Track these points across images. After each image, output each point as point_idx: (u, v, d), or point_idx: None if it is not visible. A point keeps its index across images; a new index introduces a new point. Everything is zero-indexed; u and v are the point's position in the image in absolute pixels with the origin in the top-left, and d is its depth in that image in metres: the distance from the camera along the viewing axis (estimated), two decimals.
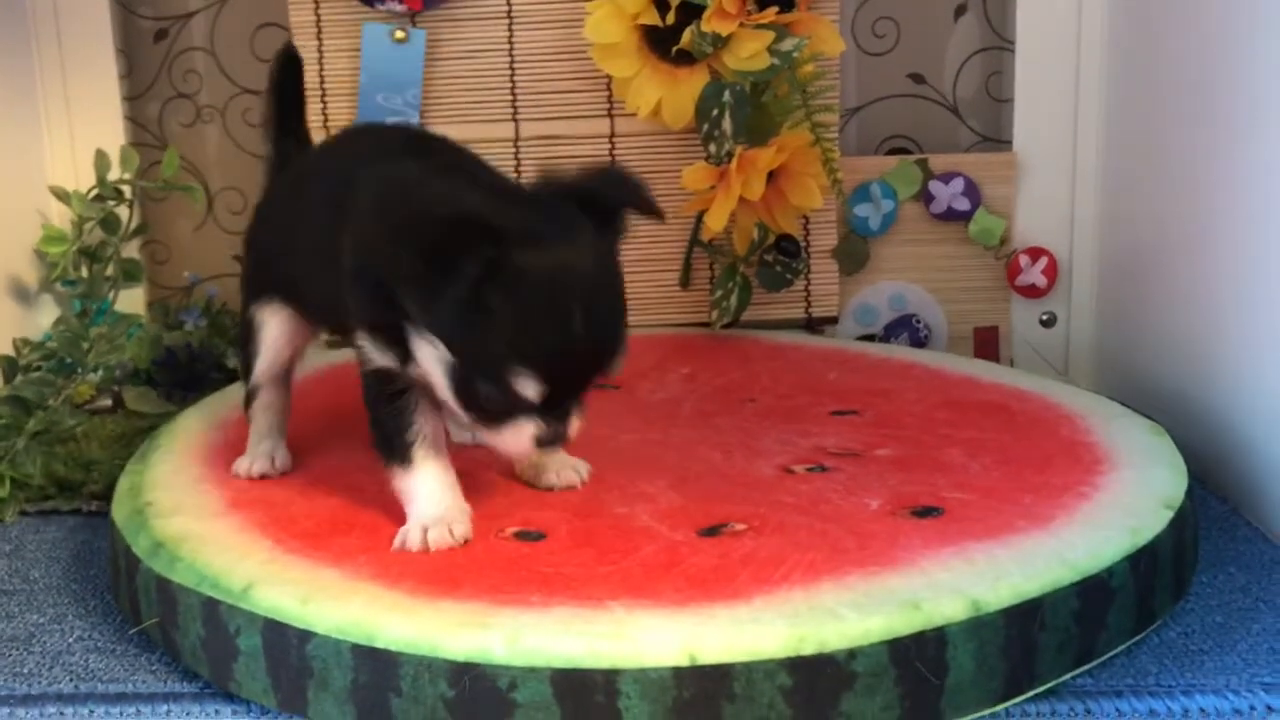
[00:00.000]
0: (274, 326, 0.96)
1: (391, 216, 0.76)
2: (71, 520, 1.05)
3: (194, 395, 1.24)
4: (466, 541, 0.81)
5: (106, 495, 0.95)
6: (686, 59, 1.27)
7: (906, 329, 1.38)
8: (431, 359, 0.78)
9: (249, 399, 0.98)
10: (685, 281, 1.38)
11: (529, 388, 0.75)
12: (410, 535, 0.81)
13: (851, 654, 0.67)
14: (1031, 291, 1.37)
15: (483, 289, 0.73)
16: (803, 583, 0.73)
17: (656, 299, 1.38)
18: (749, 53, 1.24)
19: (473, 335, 0.75)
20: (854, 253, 1.38)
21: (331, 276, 0.84)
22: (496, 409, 0.77)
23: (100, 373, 1.27)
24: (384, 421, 0.84)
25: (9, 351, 1.25)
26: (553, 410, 0.77)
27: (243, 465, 0.95)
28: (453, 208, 0.75)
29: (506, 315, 0.74)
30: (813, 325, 1.40)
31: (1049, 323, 1.39)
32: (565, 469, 0.91)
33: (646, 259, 1.36)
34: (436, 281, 0.74)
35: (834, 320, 1.40)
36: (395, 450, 0.84)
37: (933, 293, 1.39)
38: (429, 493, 0.83)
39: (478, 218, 0.74)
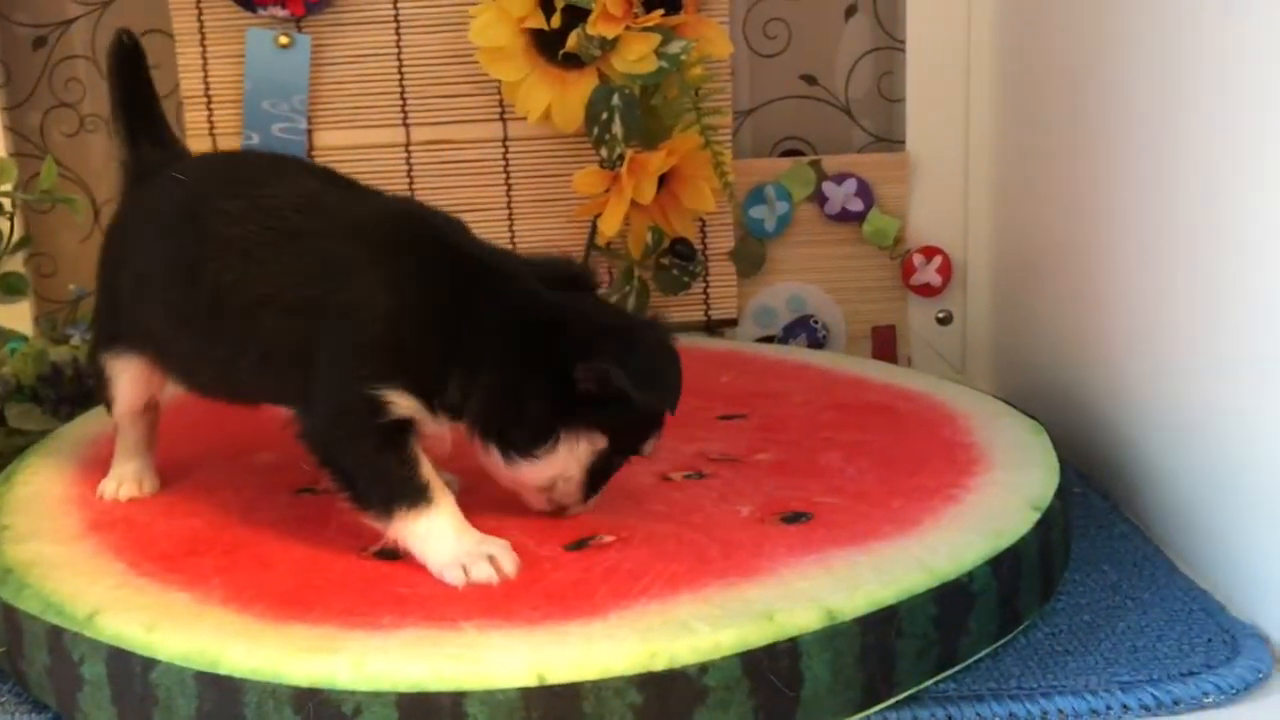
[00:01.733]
0: (128, 383, 0.91)
1: (554, 330, 0.79)
2: None
3: (81, 411, 1.20)
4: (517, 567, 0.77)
5: None
6: (575, 62, 1.26)
7: (805, 330, 1.38)
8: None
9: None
10: None
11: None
12: (451, 576, 0.76)
13: (703, 668, 0.66)
14: (927, 290, 1.37)
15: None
16: (660, 596, 0.72)
17: None
18: (636, 55, 1.23)
19: (637, 412, 0.80)
20: (750, 255, 1.37)
21: (249, 350, 0.81)
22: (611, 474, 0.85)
23: None
24: (386, 469, 0.77)
25: None
26: None
27: (109, 487, 0.92)
28: (597, 316, 0.83)
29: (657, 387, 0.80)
30: (713, 328, 1.39)
31: (945, 321, 1.39)
32: None
33: None
34: (652, 382, 0.79)
35: (734, 322, 1.39)
36: (407, 493, 0.77)
37: (830, 293, 1.39)
38: (458, 526, 0.78)
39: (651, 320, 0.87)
